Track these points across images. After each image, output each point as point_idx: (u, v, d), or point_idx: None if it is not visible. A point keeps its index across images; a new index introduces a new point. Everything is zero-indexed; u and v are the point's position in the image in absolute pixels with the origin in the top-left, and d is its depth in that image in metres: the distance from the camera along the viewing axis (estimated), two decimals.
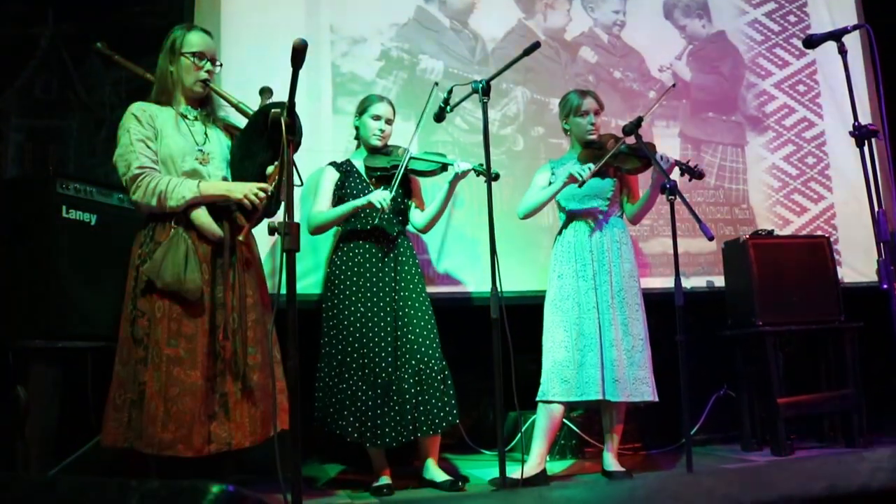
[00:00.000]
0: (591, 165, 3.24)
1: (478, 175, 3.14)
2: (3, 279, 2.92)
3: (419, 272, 3.32)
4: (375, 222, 3.24)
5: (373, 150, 3.34)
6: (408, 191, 3.38)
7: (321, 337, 3.23)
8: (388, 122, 3.35)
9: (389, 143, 3.38)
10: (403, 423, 3.06)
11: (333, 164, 3.38)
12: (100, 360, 2.99)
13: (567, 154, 3.55)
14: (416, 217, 3.38)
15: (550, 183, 3.44)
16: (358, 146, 3.44)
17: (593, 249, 3.32)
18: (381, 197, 3.08)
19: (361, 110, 3.37)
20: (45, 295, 2.87)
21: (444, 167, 3.24)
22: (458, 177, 3.18)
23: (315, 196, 3.31)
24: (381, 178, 3.27)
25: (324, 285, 3.37)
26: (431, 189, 3.57)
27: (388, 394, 3.08)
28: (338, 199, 3.30)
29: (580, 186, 3.23)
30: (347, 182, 3.30)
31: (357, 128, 3.40)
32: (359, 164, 3.35)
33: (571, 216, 3.42)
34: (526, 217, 3.46)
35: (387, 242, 3.25)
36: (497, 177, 2.97)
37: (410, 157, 3.25)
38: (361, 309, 3.16)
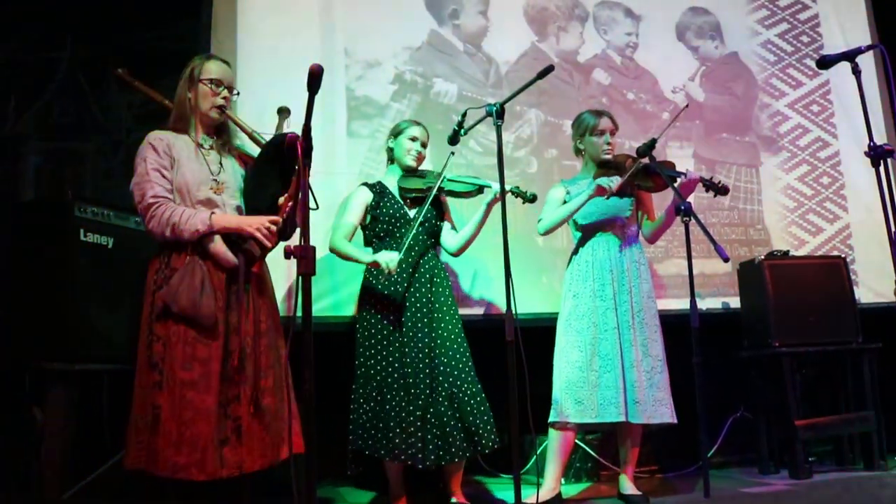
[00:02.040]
0: (618, 178, 3.22)
1: (515, 197, 3.13)
2: (20, 301, 2.95)
3: (452, 294, 3.29)
4: (413, 238, 3.18)
5: (407, 172, 3.35)
6: (441, 212, 3.38)
7: (356, 357, 3.19)
8: (423, 144, 3.36)
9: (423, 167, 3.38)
10: (446, 444, 3.02)
11: (366, 184, 3.37)
12: (115, 382, 3.01)
13: (580, 174, 3.54)
14: (449, 240, 3.36)
15: (565, 201, 3.43)
16: (388, 167, 3.43)
17: (613, 269, 3.29)
18: (388, 258, 3.04)
19: (397, 133, 3.37)
20: (63, 317, 2.89)
21: (481, 189, 3.23)
22: (496, 199, 3.13)
23: (343, 210, 3.29)
24: (416, 199, 3.27)
25: (358, 304, 3.32)
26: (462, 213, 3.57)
27: (426, 414, 3.04)
28: (372, 218, 3.29)
29: (608, 198, 3.22)
30: (382, 202, 3.28)
31: (391, 149, 3.39)
32: (391, 185, 3.34)
33: (588, 235, 3.39)
34: (547, 233, 3.43)
35: (421, 262, 3.22)
36: (534, 198, 3.03)
37: (447, 179, 3.26)
38: (398, 332, 3.14)
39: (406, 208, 3.28)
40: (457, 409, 3.05)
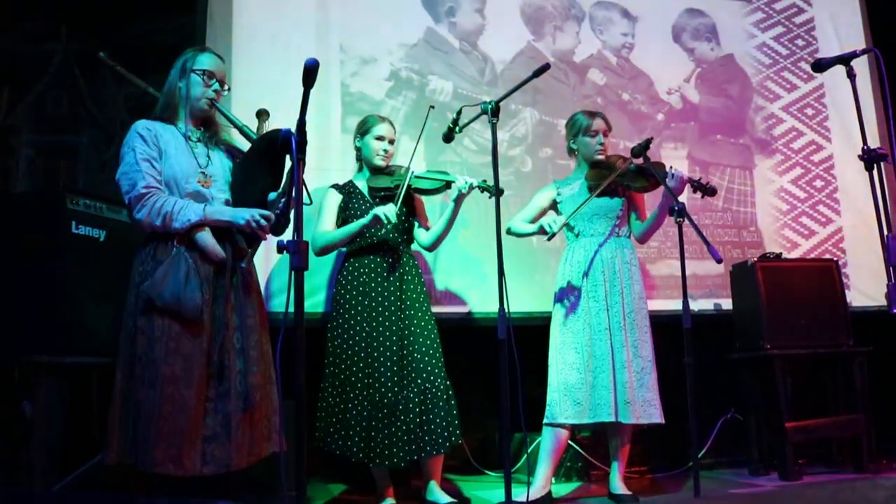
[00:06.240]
0: (562, 217, 3.27)
1: (482, 191, 3.13)
2: (11, 293, 2.93)
3: (424, 291, 3.31)
4: (380, 235, 3.20)
5: (376, 171, 3.34)
6: (412, 209, 3.37)
7: (325, 356, 3.21)
8: (391, 142, 3.35)
9: (392, 162, 3.38)
10: (409, 442, 3.04)
11: (336, 186, 3.36)
12: (105, 376, 2.99)
13: (573, 174, 3.55)
14: (422, 236, 3.37)
15: (555, 201, 3.47)
16: (360, 167, 3.42)
17: (605, 270, 3.30)
18: (386, 210, 3.06)
19: (363, 131, 3.36)
20: (53, 310, 2.87)
21: (448, 185, 3.24)
22: (463, 194, 3.18)
23: (318, 218, 3.28)
24: (385, 197, 3.26)
25: (331, 304, 3.35)
26: (440, 208, 3.58)
27: (393, 413, 3.06)
28: (342, 221, 3.29)
29: (549, 240, 3.25)
30: (351, 203, 3.29)
31: (359, 148, 3.38)
32: (361, 185, 3.35)
33: (579, 236, 3.40)
34: (510, 234, 3.46)
35: (393, 260, 3.24)
36: (502, 192, 2.98)
37: (414, 176, 3.26)
38: (367, 328, 3.15)
39: (375, 208, 3.28)
40: (428, 405, 3.07)
